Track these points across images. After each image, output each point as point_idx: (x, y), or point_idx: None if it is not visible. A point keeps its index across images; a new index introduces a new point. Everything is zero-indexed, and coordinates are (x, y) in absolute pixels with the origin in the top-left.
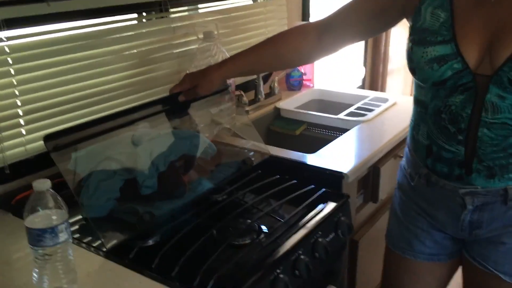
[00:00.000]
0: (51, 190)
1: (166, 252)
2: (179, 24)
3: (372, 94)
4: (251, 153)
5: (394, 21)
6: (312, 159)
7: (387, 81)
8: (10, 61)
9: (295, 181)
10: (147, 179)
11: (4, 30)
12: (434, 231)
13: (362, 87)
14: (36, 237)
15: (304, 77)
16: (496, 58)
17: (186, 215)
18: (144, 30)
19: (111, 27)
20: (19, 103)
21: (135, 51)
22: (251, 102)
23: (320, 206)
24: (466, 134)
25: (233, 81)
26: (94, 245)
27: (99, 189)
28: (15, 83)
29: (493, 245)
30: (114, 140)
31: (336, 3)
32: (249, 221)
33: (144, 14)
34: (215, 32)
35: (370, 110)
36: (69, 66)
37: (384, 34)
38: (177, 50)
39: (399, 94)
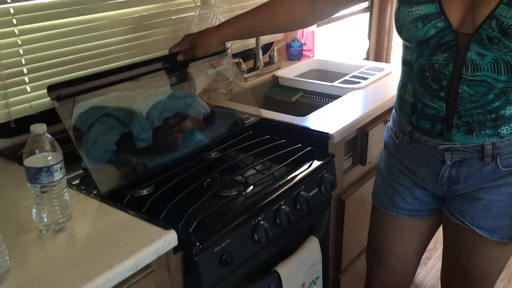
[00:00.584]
0: (47, 134)
1: (156, 199)
2: None
3: (369, 64)
4: (245, 116)
5: None
6: (302, 121)
7: (391, 54)
8: (15, 22)
9: (283, 140)
10: (142, 133)
11: None
12: (415, 188)
13: (366, 60)
14: (34, 175)
15: (304, 47)
16: (477, 16)
17: (177, 168)
18: None
19: None
20: (23, 62)
21: (134, 16)
22: (250, 70)
23: (306, 164)
24: (447, 91)
25: (229, 48)
26: (92, 192)
27: (97, 143)
28: (20, 42)
29: (470, 201)
30: (112, 96)
31: None
32: (236, 175)
33: None
34: (213, 0)
35: (365, 79)
36: (70, 28)
37: (389, 8)
38: (175, 17)
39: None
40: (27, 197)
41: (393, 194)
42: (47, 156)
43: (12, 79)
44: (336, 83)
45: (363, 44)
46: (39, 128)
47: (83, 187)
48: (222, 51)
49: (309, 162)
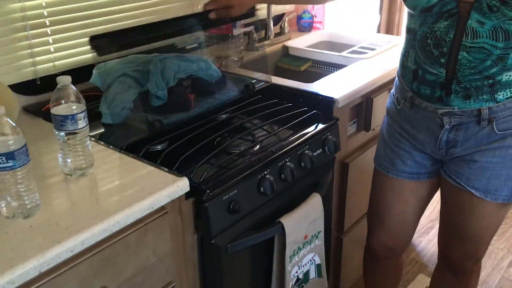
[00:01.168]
0: (72, 86)
1: (170, 152)
2: None
3: (378, 36)
4: (254, 81)
5: None
6: (308, 87)
7: (402, 30)
8: None
9: (291, 104)
10: (159, 90)
11: None
12: (415, 151)
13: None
14: (60, 122)
15: (315, 19)
16: None
17: (189, 127)
18: None
19: None
20: (47, 23)
21: None
22: (261, 39)
23: (311, 126)
24: (447, 58)
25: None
26: (111, 144)
27: (115, 100)
28: (44, 4)
29: (466, 163)
30: (129, 58)
31: None
32: (244, 133)
33: None
34: None
35: (372, 49)
36: None
37: None
38: None
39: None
40: (52, 149)
41: (394, 157)
42: (72, 106)
43: (37, 39)
44: (344, 53)
45: (374, 18)
46: (65, 79)
47: (103, 141)
48: (251, 15)
49: (314, 124)
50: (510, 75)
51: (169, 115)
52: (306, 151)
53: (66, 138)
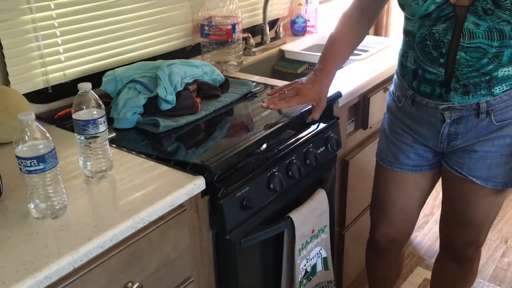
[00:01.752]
0: (92, 92)
1: (183, 152)
2: None
3: (369, 38)
4: (254, 83)
5: None
6: None
7: (390, 33)
8: None
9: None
10: (168, 95)
11: None
12: (417, 145)
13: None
14: (82, 127)
15: (308, 23)
16: None
17: (198, 128)
18: None
19: None
20: (58, 34)
21: None
22: (258, 44)
23: (314, 125)
24: (446, 58)
25: (241, 24)
26: (124, 148)
27: (126, 106)
28: (54, 16)
29: (467, 153)
30: (137, 65)
31: None
32: (252, 134)
33: None
34: None
35: (365, 51)
36: (96, 4)
37: None
38: None
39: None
40: (68, 153)
41: (397, 152)
42: (92, 111)
43: (48, 49)
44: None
45: None
46: (85, 86)
47: (116, 144)
48: None
49: (316, 123)
50: (505, 71)
51: (178, 118)
52: (311, 149)
53: (88, 142)
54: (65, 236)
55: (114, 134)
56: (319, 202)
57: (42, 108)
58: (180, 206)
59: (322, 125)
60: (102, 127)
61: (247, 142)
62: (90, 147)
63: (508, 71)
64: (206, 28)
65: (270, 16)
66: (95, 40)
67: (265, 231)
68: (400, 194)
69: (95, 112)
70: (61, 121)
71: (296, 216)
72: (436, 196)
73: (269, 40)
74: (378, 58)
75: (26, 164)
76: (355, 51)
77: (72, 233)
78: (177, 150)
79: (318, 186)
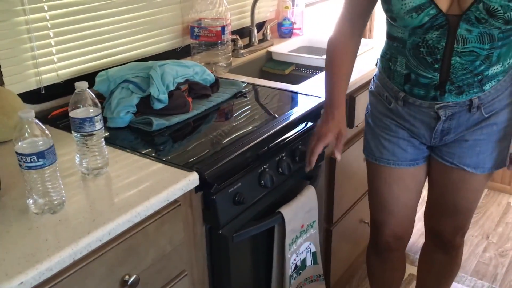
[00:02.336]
0: (88, 90)
1: (176, 150)
2: None
3: None
4: (244, 84)
5: None
6: (296, 88)
7: (373, 35)
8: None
9: (281, 104)
10: (160, 94)
11: None
12: (412, 138)
13: None
14: (78, 124)
15: (294, 26)
16: (463, 1)
17: (190, 126)
18: None
19: None
20: (51, 35)
21: None
22: (246, 46)
23: (303, 123)
24: (441, 63)
25: (230, 26)
26: (119, 146)
27: (119, 105)
28: (48, 17)
29: (458, 144)
30: (130, 65)
31: None
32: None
33: None
34: None
35: None
36: (88, 5)
37: None
38: None
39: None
40: (63, 152)
41: (394, 148)
42: (89, 109)
43: (41, 50)
44: (324, 56)
45: None
46: (82, 85)
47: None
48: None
49: (305, 121)
50: (494, 69)
51: (171, 117)
52: (300, 147)
53: (84, 139)
54: (64, 230)
55: (108, 133)
56: (308, 198)
57: (35, 108)
58: (175, 201)
59: (310, 124)
60: (99, 125)
61: (238, 140)
62: (87, 145)
63: (497, 69)
64: (196, 29)
65: (258, 18)
66: (88, 41)
67: (257, 226)
68: (403, 191)
69: (91, 111)
70: (55, 120)
71: (286, 211)
72: None
73: (257, 42)
74: (363, 59)
75: (26, 160)
76: None
77: (71, 227)
78: (169, 148)
79: (307, 183)
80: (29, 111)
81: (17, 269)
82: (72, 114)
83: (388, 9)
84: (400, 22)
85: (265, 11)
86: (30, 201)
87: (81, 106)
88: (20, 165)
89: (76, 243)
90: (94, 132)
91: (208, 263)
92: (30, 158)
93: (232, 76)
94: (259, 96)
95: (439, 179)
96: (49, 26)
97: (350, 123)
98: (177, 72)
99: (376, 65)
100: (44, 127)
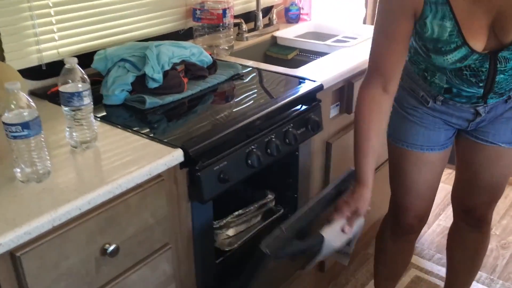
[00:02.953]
0: (78, 66)
1: (166, 127)
2: None
3: (362, 27)
4: (243, 67)
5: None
6: (294, 72)
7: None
8: None
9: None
10: (155, 73)
11: None
12: (446, 125)
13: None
14: (67, 99)
15: (302, 11)
16: (504, 39)
17: (183, 106)
18: None
19: None
20: (52, 13)
21: None
22: (251, 30)
23: (296, 106)
24: (485, 81)
25: (232, 9)
26: (112, 122)
27: (115, 84)
28: None
29: (491, 123)
30: (127, 45)
31: None
32: (235, 111)
33: None
34: None
35: (355, 39)
36: None
37: None
38: None
39: None
40: (60, 129)
41: (429, 134)
42: (77, 84)
43: (42, 28)
44: (328, 42)
45: (360, 11)
46: (72, 60)
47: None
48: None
49: (299, 104)
50: None
51: (165, 96)
52: (291, 129)
53: (72, 113)
54: (46, 198)
55: (104, 111)
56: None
57: (36, 84)
58: (159, 176)
59: (304, 107)
60: (87, 100)
61: (228, 119)
62: (75, 119)
63: None
64: (198, 12)
65: (264, 3)
66: (89, 21)
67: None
68: (432, 174)
69: (80, 86)
70: (54, 97)
71: (328, 233)
72: None
73: (262, 26)
74: (366, 46)
75: (11, 130)
76: (344, 38)
77: (54, 195)
78: (160, 125)
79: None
80: (15, 83)
81: None
82: (61, 88)
83: (428, 59)
84: (444, 67)
85: None
86: (17, 170)
87: (70, 81)
88: (6, 135)
89: (56, 210)
90: (82, 107)
91: (194, 238)
92: (15, 128)
93: (234, 59)
94: (256, 79)
95: (473, 158)
96: (50, 4)
97: (348, 108)
98: (173, 52)
99: None
100: (30, 99)
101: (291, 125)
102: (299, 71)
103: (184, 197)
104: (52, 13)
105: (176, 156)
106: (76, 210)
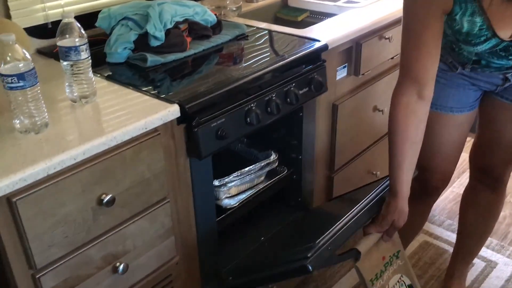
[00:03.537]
0: (75, 21)
1: (166, 84)
2: None
3: None
4: (250, 28)
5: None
6: (299, 32)
7: None
8: None
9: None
10: (156, 31)
11: None
12: (475, 87)
13: None
14: (65, 53)
15: None
16: None
17: (185, 65)
18: None
19: None
20: None
21: None
22: None
23: (300, 66)
24: None
25: None
26: (113, 79)
27: (117, 42)
28: None
29: None
30: (131, 3)
31: None
32: (236, 69)
33: None
34: None
35: None
36: None
37: None
38: None
39: None
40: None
41: (460, 96)
42: (75, 39)
43: None
44: (339, 3)
45: None
46: (69, 15)
47: (105, 75)
48: None
49: (299, 64)
50: None
51: (167, 55)
52: (292, 89)
53: (70, 68)
54: (43, 147)
55: (107, 69)
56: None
57: (43, 43)
58: (155, 130)
59: (307, 67)
60: (84, 54)
61: (228, 78)
62: (74, 73)
63: None
64: None
65: None
66: None
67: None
68: (460, 136)
69: (77, 40)
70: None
71: (364, 248)
72: None
73: None
74: (377, 7)
75: (8, 81)
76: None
77: (50, 145)
78: (160, 83)
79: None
80: (10, 35)
81: None
82: (59, 43)
83: (460, 49)
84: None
85: None
86: (16, 121)
87: (67, 36)
88: (3, 86)
89: (50, 159)
90: (79, 61)
91: (193, 193)
92: (11, 79)
93: (241, 21)
94: (261, 39)
95: (497, 116)
96: None
97: (356, 70)
98: (176, 11)
99: None
100: (25, 51)
101: (293, 84)
102: (305, 32)
103: (182, 152)
104: None
105: (172, 111)
106: (71, 160)
